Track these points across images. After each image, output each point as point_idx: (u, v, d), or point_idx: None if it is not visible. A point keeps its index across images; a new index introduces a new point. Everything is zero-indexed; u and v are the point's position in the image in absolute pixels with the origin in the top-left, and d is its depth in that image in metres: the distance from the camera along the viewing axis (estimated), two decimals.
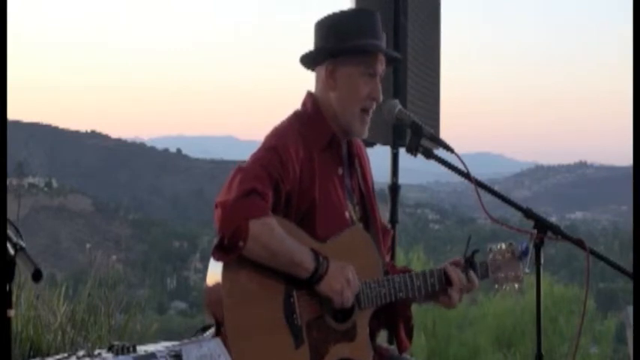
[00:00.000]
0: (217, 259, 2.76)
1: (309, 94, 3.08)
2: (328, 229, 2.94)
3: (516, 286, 3.18)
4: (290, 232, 2.81)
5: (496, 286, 3.18)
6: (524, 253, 3.12)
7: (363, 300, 2.94)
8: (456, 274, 3.07)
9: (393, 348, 3.17)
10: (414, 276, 3.05)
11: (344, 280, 2.84)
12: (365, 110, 3.02)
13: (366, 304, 2.95)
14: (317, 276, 2.82)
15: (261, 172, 2.79)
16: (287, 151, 2.86)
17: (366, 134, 3.08)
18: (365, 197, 3.14)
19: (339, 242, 2.94)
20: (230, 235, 2.69)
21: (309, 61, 3.07)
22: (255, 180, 2.76)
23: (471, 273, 3.10)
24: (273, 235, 2.75)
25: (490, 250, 3.18)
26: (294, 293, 2.84)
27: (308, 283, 2.84)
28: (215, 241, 2.74)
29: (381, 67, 3.04)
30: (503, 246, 3.17)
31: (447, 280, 3.07)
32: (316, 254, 2.83)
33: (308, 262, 2.81)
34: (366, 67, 3.00)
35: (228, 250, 2.72)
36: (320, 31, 3.04)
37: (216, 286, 2.78)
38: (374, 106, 3.04)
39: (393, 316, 3.12)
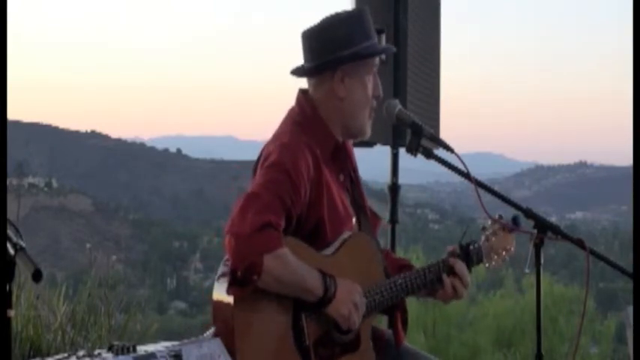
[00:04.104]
0: (232, 293, 2.75)
1: (304, 95, 3.04)
2: (336, 237, 2.95)
3: (506, 258, 3.19)
4: (299, 253, 2.80)
5: (487, 265, 3.19)
6: (516, 224, 3.12)
7: (367, 309, 2.95)
8: (459, 265, 3.08)
9: (390, 332, 3.18)
10: (413, 274, 3.06)
11: (351, 305, 2.85)
12: (372, 109, 3.04)
13: (368, 313, 2.96)
14: (325, 300, 2.83)
15: (275, 201, 2.76)
16: (299, 171, 2.83)
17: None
18: (357, 195, 3.13)
19: (344, 253, 2.94)
20: (244, 270, 2.69)
21: (315, 71, 3.01)
22: (270, 211, 2.74)
23: (464, 267, 3.10)
24: (287, 267, 2.74)
25: (483, 228, 3.18)
26: (303, 315, 2.85)
27: (316, 306, 2.85)
28: (228, 275, 2.72)
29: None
30: (493, 223, 3.15)
31: (450, 272, 3.07)
32: (324, 276, 2.83)
33: (317, 287, 2.81)
34: (371, 68, 3.02)
35: (241, 283, 2.72)
36: (320, 42, 2.98)
37: (226, 311, 2.78)
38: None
39: (390, 309, 3.12)
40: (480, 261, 3.16)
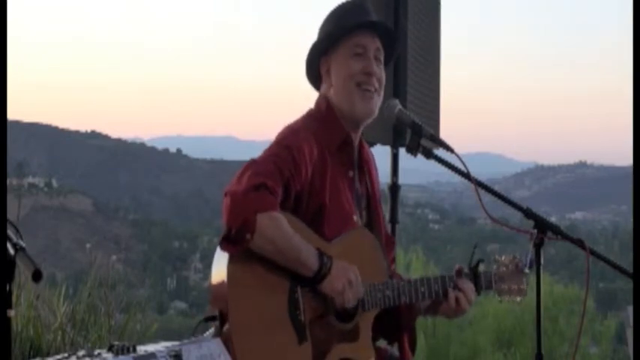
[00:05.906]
0: (224, 249, 2.75)
1: (323, 96, 3.07)
2: (337, 231, 2.94)
3: (518, 299, 3.17)
4: (297, 229, 2.81)
5: (499, 298, 3.17)
6: (529, 266, 3.10)
7: (367, 302, 2.94)
8: (464, 282, 3.07)
9: (392, 349, 3.17)
10: (419, 282, 3.04)
11: (346, 281, 2.84)
12: (360, 84, 2.99)
13: (369, 306, 2.95)
14: (320, 275, 2.82)
15: (273, 168, 2.79)
16: (301, 151, 2.86)
17: (373, 111, 3.02)
18: (371, 204, 3.13)
19: (346, 243, 2.93)
20: (237, 228, 2.69)
21: (310, 69, 3.08)
22: (267, 175, 2.76)
23: (470, 285, 3.09)
24: (280, 230, 2.74)
25: (495, 260, 3.17)
26: (299, 290, 2.84)
27: (311, 282, 2.83)
28: (222, 231, 2.73)
29: (372, 43, 3.01)
30: (509, 258, 3.16)
31: (456, 287, 3.06)
32: (321, 253, 2.82)
33: (312, 261, 2.80)
34: (354, 48, 2.99)
35: (235, 241, 2.72)
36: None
37: (222, 278, 2.78)
38: (373, 82, 3.00)
39: (398, 328, 3.12)
40: (489, 286, 3.14)
